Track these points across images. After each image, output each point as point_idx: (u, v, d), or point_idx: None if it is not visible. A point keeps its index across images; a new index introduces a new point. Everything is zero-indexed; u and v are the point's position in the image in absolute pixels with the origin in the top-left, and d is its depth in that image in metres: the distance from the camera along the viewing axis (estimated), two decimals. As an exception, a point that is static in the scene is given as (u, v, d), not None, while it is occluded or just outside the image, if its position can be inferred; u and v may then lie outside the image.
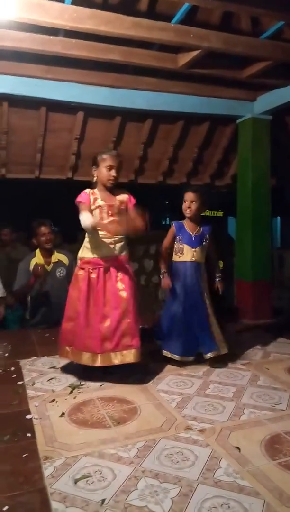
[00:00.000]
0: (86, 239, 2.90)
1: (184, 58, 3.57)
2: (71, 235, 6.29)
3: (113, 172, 2.83)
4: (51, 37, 3.33)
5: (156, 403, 2.43)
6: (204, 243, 3.13)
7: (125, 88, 4.08)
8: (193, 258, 3.08)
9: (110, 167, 2.83)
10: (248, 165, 4.61)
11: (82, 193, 2.87)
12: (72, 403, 2.44)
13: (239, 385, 2.65)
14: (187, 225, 3.14)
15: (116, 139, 4.72)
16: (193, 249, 3.08)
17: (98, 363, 2.72)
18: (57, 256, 3.96)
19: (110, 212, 2.84)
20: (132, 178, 5.15)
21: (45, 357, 3.30)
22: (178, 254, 3.12)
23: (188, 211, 3.09)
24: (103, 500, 1.56)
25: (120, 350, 2.71)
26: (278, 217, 13.11)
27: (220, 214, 11.26)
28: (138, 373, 2.89)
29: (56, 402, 2.45)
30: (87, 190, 2.88)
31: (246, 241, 4.67)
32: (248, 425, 2.14)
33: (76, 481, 1.68)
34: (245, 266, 4.71)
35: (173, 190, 5.46)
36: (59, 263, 3.95)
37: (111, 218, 2.83)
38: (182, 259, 3.10)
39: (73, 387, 2.67)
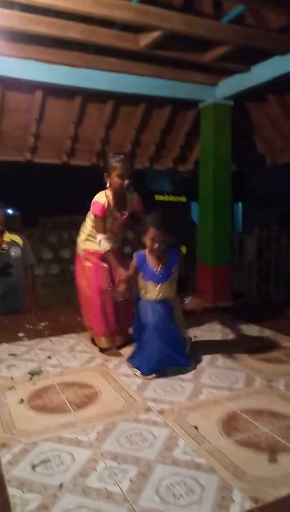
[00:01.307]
0: (89, 232, 3.07)
1: (146, 39, 3.50)
2: (31, 219, 6.16)
3: (126, 181, 2.93)
4: (8, 11, 3.16)
5: (117, 386, 2.45)
6: (172, 275, 2.70)
7: (86, 67, 3.96)
8: (160, 296, 2.66)
9: (121, 176, 2.91)
10: (210, 151, 4.64)
11: (98, 205, 2.93)
12: (32, 390, 2.41)
13: (198, 367, 2.71)
14: (151, 258, 2.68)
15: (77, 120, 4.60)
16: (159, 285, 2.66)
17: (117, 342, 3.07)
18: (9, 236, 3.93)
19: (122, 222, 3.12)
20: (94, 161, 5.06)
21: (4, 344, 3.23)
22: (143, 290, 2.70)
23: (156, 252, 2.64)
24: (61, 484, 1.56)
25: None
26: (240, 203, 13.40)
27: (183, 199, 11.33)
28: (100, 358, 2.92)
29: (15, 389, 2.41)
30: (102, 199, 2.93)
31: (207, 227, 4.74)
32: (206, 404, 2.20)
33: (34, 467, 1.67)
34: (206, 251, 4.79)
35: (137, 176, 5.44)
36: (12, 242, 3.93)
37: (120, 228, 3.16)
38: (147, 297, 2.68)
39: (32, 374, 2.64)
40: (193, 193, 5.77)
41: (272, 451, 1.75)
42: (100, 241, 2.91)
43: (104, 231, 2.93)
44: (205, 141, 4.73)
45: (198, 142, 5.13)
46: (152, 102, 4.70)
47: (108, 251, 2.90)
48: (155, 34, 3.38)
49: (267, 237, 6.22)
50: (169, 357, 2.61)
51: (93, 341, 3.21)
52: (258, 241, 6.31)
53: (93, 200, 2.97)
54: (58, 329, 3.60)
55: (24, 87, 4.07)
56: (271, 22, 3.64)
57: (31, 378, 2.57)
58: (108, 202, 2.95)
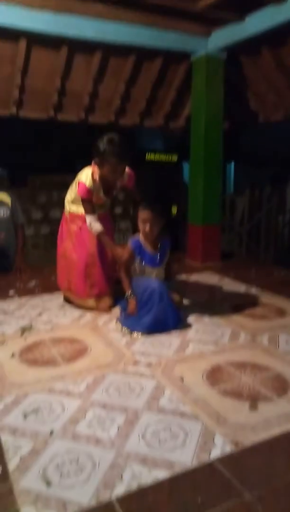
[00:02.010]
0: (75, 196, 2.97)
1: (135, -17, 3.29)
2: (19, 178, 6.02)
3: (118, 174, 2.81)
4: None
5: (107, 341, 2.51)
6: (165, 257, 2.81)
7: (70, 12, 3.73)
8: (157, 278, 2.77)
9: (114, 172, 2.78)
10: (201, 106, 4.51)
11: (84, 187, 2.81)
12: (23, 345, 2.47)
13: (186, 323, 2.78)
14: (146, 243, 2.75)
15: (64, 72, 4.40)
16: (157, 269, 2.77)
17: (107, 302, 3.05)
18: None
19: (109, 198, 3.06)
20: (82, 117, 4.90)
21: (-5, 301, 3.27)
22: (139, 274, 2.77)
23: (149, 234, 2.70)
24: (52, 431, 1.63)
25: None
26: (232, 163, 13.20)
27: (174, 158, 11.11)
28: (89, 315, 2.97)
29: (6, 344, 2.47)
30: (88, 181, 2.81)
31: (198, 186, 4.69)
32: (192, 358, 2.28)
33: (26, 416, 1.74)
34: (196, 211, 4.77)
35: (127, 133, 5.29)
36: (0, 202, 3.87)
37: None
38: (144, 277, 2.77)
39: (24, 330, 2.69)
40: (184, 153, 5.66)
41: (254, 400, 1.84)
42: (90, 223, 2.84)
43: (92, 211, 2.85)
44: (197, 96, 4.58)
45: (189, 98, 4.97)
46: (142, 54, 4.49)
47: (101, 232, 2.85)
48: (145, -22, 3.18)
49: (259, 198, 6.20)
50: (164, 322, 2.63)
51: (66, 300, 3.20)
52: (249, 202, 6.30)
53: (79, 179, 2.87)
54: (49, 288, 3.63)
55: (6, 34, 3.84)
56: None
57: (22, 334, 2.63)
58: (95, 183, 2.85)
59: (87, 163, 2.95)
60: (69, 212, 3.07)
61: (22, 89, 4.42)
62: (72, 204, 3.05)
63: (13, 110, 4.58)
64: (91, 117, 4.99)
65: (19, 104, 4.58)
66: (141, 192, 3.15)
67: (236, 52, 4.55)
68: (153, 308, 2.60)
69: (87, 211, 2.86)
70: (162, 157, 11.08)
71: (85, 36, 3.91)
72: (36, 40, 3.99)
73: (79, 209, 2.96)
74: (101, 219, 2.93)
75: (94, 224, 2.83)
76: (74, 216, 3.03)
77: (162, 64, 4.70)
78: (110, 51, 4.34)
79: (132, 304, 2.69)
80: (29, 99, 4.55)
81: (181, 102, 5.30)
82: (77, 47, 4.19)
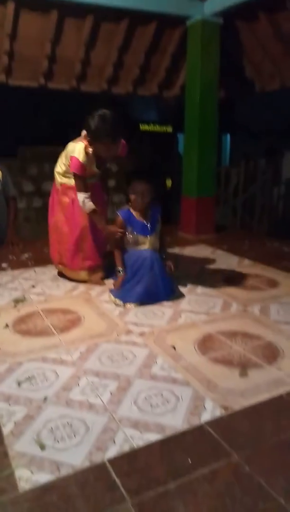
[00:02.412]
0: (66, 169, 2.90)
1: None
2: (9, 149, 5.89)
3: (113, 152, 2.73)
4: None
5: (100, 312, 2.53)
6: (157, 226, 2.79)
7: None
8: (151, 247, 2.75)
9: (108, 149, 2.69)
10: (196, 74, 4.39)
11: (77, 163, 2.72)
12: (16, 316, 2.48)
13: (179, 294, 2.80)
14: (136, 212, 2.74)
15: (54, 38, 4.24)
16: (149, 238, 2.74)
17: (99, 274, 3.07)
18: None
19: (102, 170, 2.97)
20: (74, 85, 4.76)
21: (-13, 274, 3.26)
22: (133, 244, 2.76)
23: (139, 204, 2.68)
24: (45, 397, 1.66)
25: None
26: (228, 135, 13.00)
27: (169, 129, 10.90)
28: (83, 287, 2.98)
29: (0, 315, 2.48)
30: (81, 157, 2.71)
31: (192, 158, 4.62)
32: (184, 327, 2.31)
33: (19, 383, 1.76)
34: (190, 183, 4.73)
35: (120, 103, 5.17)
36: None
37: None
38: (138, 248, 2.75)
39: (17, 301, 2.69)
40: (179, 125, 5.55)
41: (244, 366, 1.88)
42: (82, 201, 2.77)
43: (85, 189, 2.78)
44: (192, 63, 4.45)
45: (184, 65, 4.83)
46: (136, 19, 4.33)
47: (93, 210, 2.80)
48: None
49: (253, 171, 6.13)
50: (157, 291, 2.64)
51: (60, 274, 3.20)
52: (244, 175, 6.23)
53: (70, 152, 2.78)
54: (42, 260, 3.63)
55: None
56: None
57: (15, 306, 2.63)
58: (88, 157, 2.76)
59: (79, 134, 2.88)
60: (61, 183, 2.99)
61: (11, 55, 4.28)
62: (63, 176, 2.97)
63: (2, 77, 4.44)
64: (83, 86, 4.86)
65: (8, 71, 4.43)
66: (135, 163, 3.10)
67: (233, 17, 4.40)
68: (144, 277, 2.61)
69: (79, 189, 2.78)
70: (157, 128, 10.86)
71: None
72: (24, 3, 3.82)
73: (71, 181, 2.90)
74: (93, 189, 2.89)
75: (86, 202, 2.77)
76: (66, 188, 2.96)
77: (156, 30, 4.54)
78: (102, 15, 4.19)
79: (119, 280, 2.72)
80: (18, 66, 4.41)
81: (175, 69, 5.16)
82: (68, 11, 4.04)
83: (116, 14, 4.19)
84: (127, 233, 2.74)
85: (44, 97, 7.02)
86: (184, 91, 4.80)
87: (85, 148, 2.74)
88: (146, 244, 2.75)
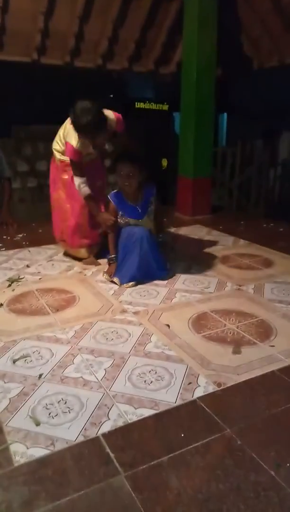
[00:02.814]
0: (63, 150, 2.84)
1: None
2: (3, 129, 5.77)
3: (98, 142, 2.67)
4: None
5: (95, 291, 2.53)
6: (150, 208, 2.70)
7: None
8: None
9: (94, 141, 2.63)
10: (193, 49, 4.28)
11: (71, 148, 2.67)
12: (11, 295, 2.48)
13: (174, 274, 2.79)
14: (127, 195, 2.66)
15: (47, 11, 4.11)
16: (141, 221, 2.68)
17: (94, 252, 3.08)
18: None
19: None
20: (67, 60, 4.64)
21: (-18, 253, 3.24)
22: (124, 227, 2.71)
23: (127, 187, 2.60)
24: (40, 375, 1.67)
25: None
26: (225, 114, 12.81)
27: (165, 107, 10.70)
28: (78, 267, 2.97)
29: (-6, 294, 2.47)
30: (74, 141, 2.64)
31: (189, 138, 4.55)
32: (178, 306, 2.31)
33: (14, 361, 1.77)
34: (187, 163, 4.67)
35: (116, 80, 5.04)
36: None
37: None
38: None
39: (11, 281, 2.69)
40: (176, 104, 5.45)
41: (237, 344, 1.89)
42: (78, 185, 2.75)
43: (81, 174, 2.74)
44: (189, 38, 4.34)
45: (181, 40, 4.70)
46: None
47: (88, 196, 2.77)
48: None
49: (250, 152, 6.06)
50: (148, 269, 2.64)
51: (66, 254, 3.21)
52: (241, 156, 6.16)
53: (66, 139, 2.72)
54: (36, 241, 3.61)
55: None
56: None
57: (10, 285, 2.63)
58: (83, 144, 2.67)
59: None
60: (60, 160, 2.96)
61: (2, 30, 4.14)
62: (62, 153, 2.92)
63: (-6, 52, 4.32)
64: (77, 61, 4.74)
65: (0, 46, 4.30)
66: (121, 143, 3.03)
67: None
68: (134, 254, 2.60)
69: (76, 173, 2.76)
70: (152, 106, 10.66)
71: None
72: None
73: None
74: (93, 165, 2.89)
75: (82, 187, 2.76)
76: (65, 165, 2.92)
77: (152, 3, 4.41)
78: (95, -14, 4.05)
79: (111, 267, 2.71)
80: (10, 41, 4.28)
81: (172, 45, 5.04)
82: (60, -19, 3.90)
83: (111, -14, 4.07)
84: (118, 217, 2.70)
85: (37, 73, 6.84)
86: (180, 68, 4.70)
87: (78, 135, 2.67)
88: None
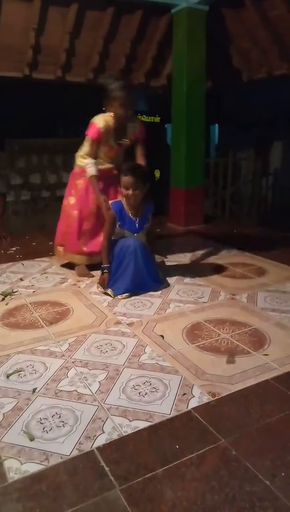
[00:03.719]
0: (85, 150, 2.97)
1: None
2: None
3: (129, 107, 2.82)
4: None
5: (89, 304, 2.53)
6: (146, 225, 2.74)
7: None
8: None
9: (124, 106, 2.79)
10: (183, 63, 4.35)
11: (95, 127, 2.84)
12: (4, 309, 2.47)
13: (167, 284, 2.80)
14: (128, 206, 2.68)
15: (38, 27, 4.17)
16: (135, 235, 2.69)
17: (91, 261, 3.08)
18: None
19: (119, 151, 3.04)
20: (59, 75, 4.69)
21: (-25, 267, 3.23)
22: (118, 238, 2.72)
23: (132, 200, 2.63)
24: (34, 389, 1.67)
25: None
26: (216, 125, 12.95)
27: (157, 120, 10.81)
28: (71, 279, 2.98)
29: (-12, 308, 2.47)
30: (101, 123, 2.82)
31: (181, 149, 4.60)
32: (172, 316, 2.32)
33: (8, 376, 1.76)
34: (179, 174, 4.71)
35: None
36: None
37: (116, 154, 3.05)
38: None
39: (5, 295, 2.68)
40: (168, 115, 5.52)
41: (231, 354, 1.90)
42: (87, 164, 2.87)
43: (94, 155, 2.89)
44: (178, 52, 4.42)
45: (171, 54, 4.79)
46: (121, 7, 4.27)
47: (94, 176, 2.85)
48: None
49: (242, 162, 6.14)
50: (142, 281, 2.64)
51: (60, 263, 3.22)
52: (233, 166, 6.23)
53: (91, 120, 2.86)
54: (30, 254, 3.61)
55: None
56: None
57: (3, 299, 2.62)
58: (107, 127, 2.84)
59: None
60: (79, 166, 3.04)
61: (-6, 44, 4.19)
62: (82, 158, 3.01)
63: (-14, 68, 4.36)
64: (68, 75, 4.79)
65: (-8, 60, 4.35)
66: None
67: (219, 5, 4.36)
68: (130, 265, 2.60)
69: (90, 153, 2.89)
70: (145, 118, 10.77)
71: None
72: (6, -10, 3.75)
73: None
74: (106, 177, 2.98)
75: (90, 166, 2.87)
76: (82, 171, 3.00)
77: (142, 18, 4.49)
78: (86, 3, 4.11)
79: (104, 277, 2.70)
80: (1, 56, 4.32)
81: (162, 59, 5.11)
82: (51, -2, 3.96)
83: (101, 1, 4.13)
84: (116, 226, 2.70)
85: (30, 87, 6.91)
86: (171, 80, 4.77)
87: (106, 117, 2.86)
88: None
